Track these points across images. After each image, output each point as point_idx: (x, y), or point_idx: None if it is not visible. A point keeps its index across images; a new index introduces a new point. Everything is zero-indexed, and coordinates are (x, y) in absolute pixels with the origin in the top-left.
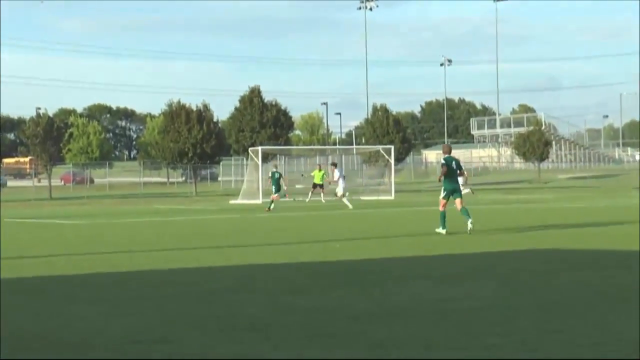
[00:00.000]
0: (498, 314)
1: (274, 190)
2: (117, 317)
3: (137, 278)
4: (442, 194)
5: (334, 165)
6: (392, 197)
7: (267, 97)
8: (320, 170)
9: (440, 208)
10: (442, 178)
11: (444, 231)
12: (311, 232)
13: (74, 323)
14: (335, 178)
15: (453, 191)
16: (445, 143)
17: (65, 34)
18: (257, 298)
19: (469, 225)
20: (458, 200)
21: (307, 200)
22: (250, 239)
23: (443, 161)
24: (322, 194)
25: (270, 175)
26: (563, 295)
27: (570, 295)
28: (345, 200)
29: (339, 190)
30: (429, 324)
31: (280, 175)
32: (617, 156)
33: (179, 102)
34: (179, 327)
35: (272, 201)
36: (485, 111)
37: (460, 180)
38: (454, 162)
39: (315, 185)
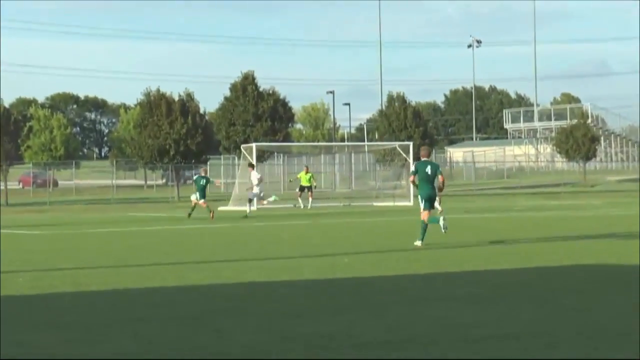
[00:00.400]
0: (536, 342)
1: (197, 197)
2: (86, 345)
3: (108, 298)
4: (421, 204)
5: (252, 166)
6: (411, 202)
7: (263, 85)
8: (307, 172)
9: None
10: (417, 185)
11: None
12: (315, 244)
13: (35, 352)
14: (255, 181)
15: (428, 199)
16: (424, 145)
17: (22, 10)
18: (252, 322)
19: (418, 244)
20: (426, 213)
21: (302, 206)
22: (243, 252)
23: (413, 168)
24: (310, 199)
25: (194, 180)
26: (613, 320)
27: (621, 319)
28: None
29: (252, 194)
30: (452, 354)
31: (208, 181)
32: None
33: (158, 90)
34: (160, 357)
35: (194, 206)
36: (521, 101)
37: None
38: (428, 167)
39: (302, 188)
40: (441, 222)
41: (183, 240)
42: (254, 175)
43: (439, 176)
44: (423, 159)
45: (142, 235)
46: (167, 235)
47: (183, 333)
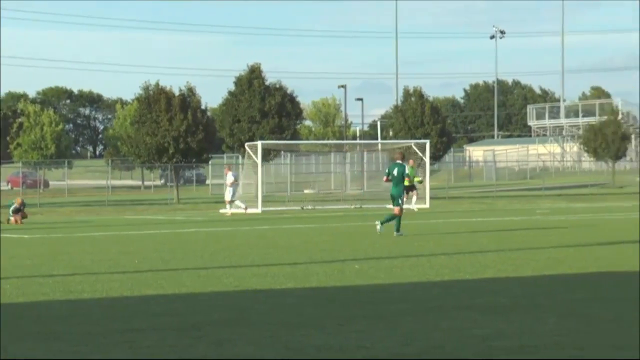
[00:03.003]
0: (560, 354)
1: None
2: (78, 357)
3: (102, 307)
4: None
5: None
6: (427, 205)
7: (270, 79)
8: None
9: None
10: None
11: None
12: (324, 249)
13: None
14: (229, 182)
15: (392, 197)
16: (399, 150)
17: None
18: (255, 333)
19: (377, 227)
20: (397, 208)
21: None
22: (246, 257)
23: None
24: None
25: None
26: None
27: None
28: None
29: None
30: None
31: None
32: None
33: (157, 84)
34: None
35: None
36: (546, 96)
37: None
38: (395, 170)
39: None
40: (379, 225)
41: (182, 245)
42: (230, 177)
43: (405, 177)
44: (397, 161)
45: (139, 240)
46: (165, 240)
47: (182, 344)
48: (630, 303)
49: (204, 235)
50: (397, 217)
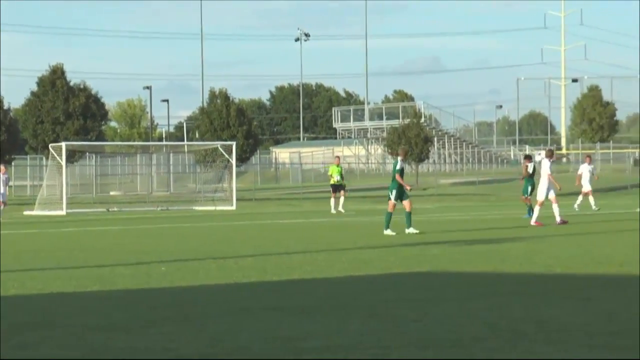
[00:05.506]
0: (366, 354)
1: None
2: None
3: None
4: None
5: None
6: (234, 207)
7: (74, 79)
8: (338, 165)
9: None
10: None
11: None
12: (129, 251)
13: None
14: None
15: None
16: (402, 147)
17: None
18: (59, 336)
19: (411, 231)
20: (390, 203)
21: (333, 210)
22: (50, 260)
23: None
24: (341, 199)
25: None
26: (445, 330)
27: (453, 329)
28: None
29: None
30: None
31: None
32: (512, 156)
33: None
34: None
35: None
36: (351, 99)
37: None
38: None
39: (336, 188)
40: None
41: None
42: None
43: (397, 174)
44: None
45: None
46: None
47: None
48: (434, 303)
49: (5, 238)
50: (407, 213)
